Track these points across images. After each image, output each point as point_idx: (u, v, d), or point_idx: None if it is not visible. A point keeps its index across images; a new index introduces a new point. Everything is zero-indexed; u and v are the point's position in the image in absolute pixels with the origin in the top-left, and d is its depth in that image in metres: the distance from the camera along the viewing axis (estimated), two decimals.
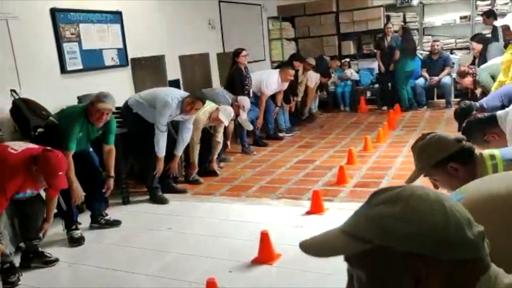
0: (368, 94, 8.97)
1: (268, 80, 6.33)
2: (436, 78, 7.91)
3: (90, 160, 3.79)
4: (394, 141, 6.04)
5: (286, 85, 6.57)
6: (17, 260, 3.17)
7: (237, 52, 6.05)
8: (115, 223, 3.91)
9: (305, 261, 2.93)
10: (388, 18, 8.87)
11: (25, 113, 3.81)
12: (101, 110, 3.56)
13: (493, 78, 4.65)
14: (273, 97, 6.70)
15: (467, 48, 8.56)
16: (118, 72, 5.00)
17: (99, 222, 3.89)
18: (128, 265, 3.16)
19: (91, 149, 3.83)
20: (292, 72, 6.56)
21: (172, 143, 4.48)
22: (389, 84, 8.38)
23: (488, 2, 8.20)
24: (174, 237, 3.58)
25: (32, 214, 3.19)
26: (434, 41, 8.16)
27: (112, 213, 4.03)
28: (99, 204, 3.90)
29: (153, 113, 4.29)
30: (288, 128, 7.13)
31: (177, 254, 3.27)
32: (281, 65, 7.00)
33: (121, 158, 4.38)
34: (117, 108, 4.53)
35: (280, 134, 6.87)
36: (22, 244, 3.30)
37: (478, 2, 8.28)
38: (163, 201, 4.40)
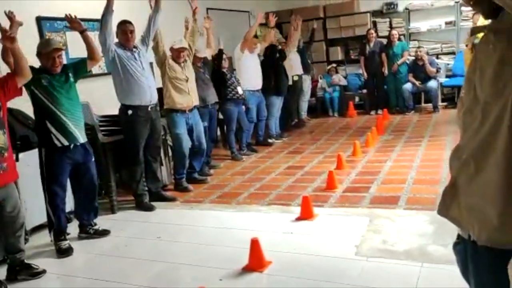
0: (357, 99, 9.03)
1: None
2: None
3: (89, 172, 3.72)
4: (382, 146, 6.07)
5: (256, 55, 6.57)
6: (3, 273, 3.13)
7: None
8: (104, 233, 3.86)
9: (296, 267, 2.94)
10: (374, 24, 8.97)
11: (10, 123, 3.76)
12: (50, 54, 3.45)
13: None
14: (266, 103, 6.73)
15: (453, 53, 8.68)
16: (105, 80, 4.96)
17: (88, 232, 3.85)
18: (117, 275, 3.12)
19: (92, 159, 3.75)
20: (255, 40, 6.64)
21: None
22: (375, 89, 8.46)
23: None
24: (164, 246, 3.55)
25: (4, 226, 3.12)
26: (418, 47, 8.29)
27: (101, 222, 3.98)
28: (88, 213, 3.85)
29: (123, 80, 4.24)
30: (278, 134, 7.14)
31: (166, 263, 3.23)
32: None
33: (110, 168, 4.35)
34: (110, 116, 4.50)
35: (270, 140, 6.88)
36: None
37: (463, 8, 8.39)
38: (149, 208, 4.37)
